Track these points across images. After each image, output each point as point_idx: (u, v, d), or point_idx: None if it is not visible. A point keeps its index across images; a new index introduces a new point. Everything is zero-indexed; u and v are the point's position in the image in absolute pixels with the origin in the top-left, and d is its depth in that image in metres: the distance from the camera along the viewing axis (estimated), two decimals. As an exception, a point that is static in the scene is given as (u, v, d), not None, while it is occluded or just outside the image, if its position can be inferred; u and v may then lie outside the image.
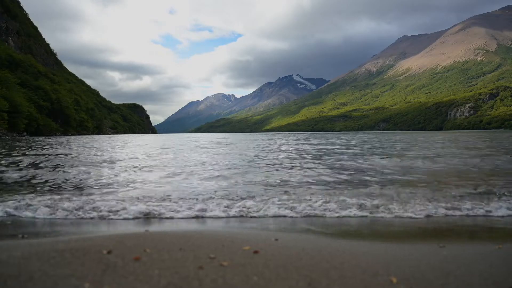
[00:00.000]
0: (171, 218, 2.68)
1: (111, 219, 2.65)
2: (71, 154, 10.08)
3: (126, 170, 5.81)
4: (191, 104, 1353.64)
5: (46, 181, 4.53)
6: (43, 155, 9.52)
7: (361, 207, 2.91)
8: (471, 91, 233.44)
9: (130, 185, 4.18)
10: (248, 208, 2.87)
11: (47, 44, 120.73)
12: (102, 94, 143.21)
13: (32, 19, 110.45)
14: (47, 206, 2.90)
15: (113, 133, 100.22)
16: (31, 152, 10.72)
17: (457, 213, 2.78)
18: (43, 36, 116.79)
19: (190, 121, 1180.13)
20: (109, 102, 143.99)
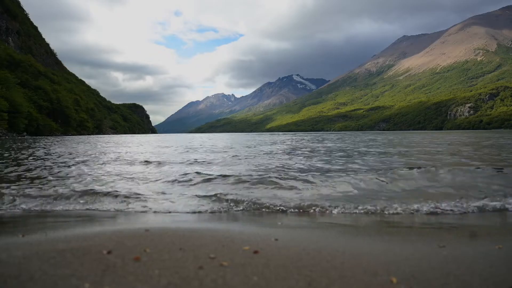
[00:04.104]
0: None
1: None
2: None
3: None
4: (191, 104, 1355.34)
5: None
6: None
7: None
8: (471, 91, 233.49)
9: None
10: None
11: (47, 44, 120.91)
12: (105, 94, 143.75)
13: (37, 20, 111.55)
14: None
15: (113, 133, 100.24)
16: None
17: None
18: (48, 36, 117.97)
19: (190, 121, 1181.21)
20: (109, 102, 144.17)
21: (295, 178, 4.42)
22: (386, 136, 33.70)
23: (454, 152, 9.10)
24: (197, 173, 5.03)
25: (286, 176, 4.58)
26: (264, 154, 9.57)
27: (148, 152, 11.01)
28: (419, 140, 19.48)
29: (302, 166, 6.03)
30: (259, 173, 5.09)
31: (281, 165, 6.21)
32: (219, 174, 4.89)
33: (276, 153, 9.82)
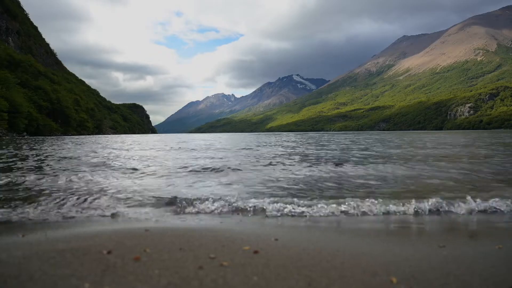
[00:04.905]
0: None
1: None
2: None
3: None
4: (191, 104, 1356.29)
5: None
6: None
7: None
8: (471, 91, 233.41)
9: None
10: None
11: (47, 44, 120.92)
12: (105, 94, 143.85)
13: (37, 20, 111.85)
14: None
15: (113, 133, 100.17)
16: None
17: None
18: (48, 36, 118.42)
19: (190, 121, 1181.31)
20: (109, 102, 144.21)
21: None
22: (408, 136, 33.59)
23: None
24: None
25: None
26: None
27: (142, 155, 9.90)
28: (433, 139, 19.46)
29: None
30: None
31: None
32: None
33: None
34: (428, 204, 2.89)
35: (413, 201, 2.91)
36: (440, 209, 2.84)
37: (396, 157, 7.84)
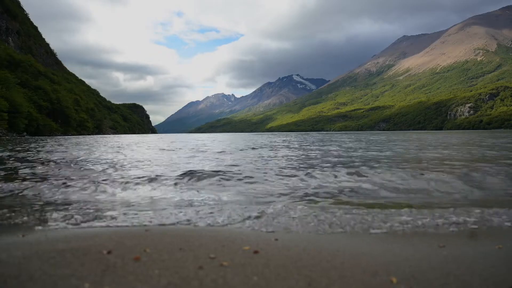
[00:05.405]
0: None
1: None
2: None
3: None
4: (191, 104, 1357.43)
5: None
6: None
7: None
8: (471, 91, 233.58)
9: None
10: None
11: (47, 44, 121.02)
12: (105, 94, 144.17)
13: (37, 20, 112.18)
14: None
15: (113, 133, 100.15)
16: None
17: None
18: (48, 36, 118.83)
19: (190, 121, 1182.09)
20: (109, 102, 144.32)
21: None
22: (413, 135, 33.63)
23: None
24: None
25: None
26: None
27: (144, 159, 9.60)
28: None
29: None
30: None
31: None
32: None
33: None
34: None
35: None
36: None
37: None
